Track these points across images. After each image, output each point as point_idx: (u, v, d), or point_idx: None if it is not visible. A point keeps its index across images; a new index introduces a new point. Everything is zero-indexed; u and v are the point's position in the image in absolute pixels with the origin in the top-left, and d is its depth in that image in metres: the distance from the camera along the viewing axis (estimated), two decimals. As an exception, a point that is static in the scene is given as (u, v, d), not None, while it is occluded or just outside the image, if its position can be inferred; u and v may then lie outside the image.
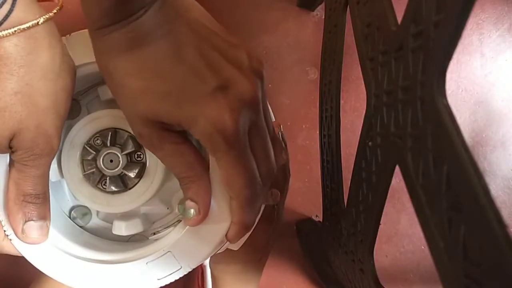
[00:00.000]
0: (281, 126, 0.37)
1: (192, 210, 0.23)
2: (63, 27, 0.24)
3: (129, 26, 0.19)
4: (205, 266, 0.52)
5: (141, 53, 0.20)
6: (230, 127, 0.20)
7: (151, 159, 0.27)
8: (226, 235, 0.24)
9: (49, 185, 0.29)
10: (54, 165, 0.28)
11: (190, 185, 0.23)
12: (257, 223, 0.29)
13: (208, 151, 0.22)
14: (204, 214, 0.23)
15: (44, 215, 0.25)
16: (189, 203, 0.23)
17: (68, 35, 0.25)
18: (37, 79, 0.21)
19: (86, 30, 0.22)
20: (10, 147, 0.23)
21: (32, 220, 0.24)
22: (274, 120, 0.31)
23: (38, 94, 0.21)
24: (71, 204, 0.30)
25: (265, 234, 0.34)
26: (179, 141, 0.22)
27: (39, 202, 0.24)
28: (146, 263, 0.25)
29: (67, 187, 0.28)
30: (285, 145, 0.38)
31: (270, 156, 0.24)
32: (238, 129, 0.20)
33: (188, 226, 0.25)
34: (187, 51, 0.20)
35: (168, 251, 0.25)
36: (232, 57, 0.21)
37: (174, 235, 0.26)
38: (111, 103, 0.29)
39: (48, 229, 0.25)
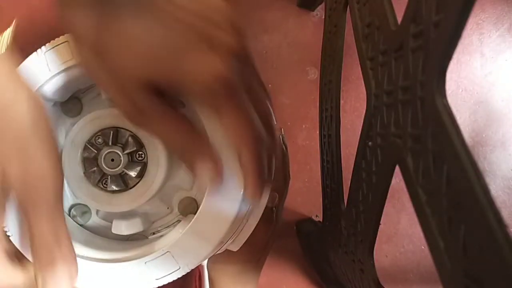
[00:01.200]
0: (282, 130, 0.37)
1: (208, 175, 0.22)
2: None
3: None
4: (202, 267, 0.52)
5: (121, 23, 0.20)
6: (227, 74, 0.20)
7: (152, 159, 0.27)
8: (245, 192, 0.24)
9: None
10: None
11: (195, 156, 0.22)
12: (257, 224, 0.29)
13: (207, 108, 0.22)
14: (220, 174, 0.23)
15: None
16: (201, 171, 0.22)
17: (63, 35, 0.25)
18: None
19: None
20: None
21: None
22: (274, 122, 0.31)
23: None
24: (70, 202, 0.30)
25: (264, 235, 0.34)
26: (175, 111, 0.22)
27: None
28: (145, 263, 0.25)
29: (67, 185, 0.28)
30: (286, 148, 0.38)
31: (267, 107, 0.24)
32: (233, 76, 0.21)
33: (187, 227, 0.25)
34: (165, 16, 0.20)
35: (167, 251, 0.25)
36: (211, 16, 0.21)
37: (173, 235, 0.26)
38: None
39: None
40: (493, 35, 0.63)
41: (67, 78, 0.26)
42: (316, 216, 0.58)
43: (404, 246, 0.59)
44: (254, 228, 0.29)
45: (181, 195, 0.29)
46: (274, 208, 0.34)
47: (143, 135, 0.27)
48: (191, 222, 0.25)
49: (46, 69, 0.25)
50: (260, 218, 0.29)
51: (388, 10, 0.25)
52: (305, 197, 0.59)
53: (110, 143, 0.27)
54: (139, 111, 0.22)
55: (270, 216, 0.34)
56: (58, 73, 0.26)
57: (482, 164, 0.61)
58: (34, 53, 0.25)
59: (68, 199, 0.30)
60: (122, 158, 0.27)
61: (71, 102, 0.29)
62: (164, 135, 0.23)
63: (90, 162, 0.27)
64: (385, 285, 0.29)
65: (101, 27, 0.20)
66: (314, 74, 0.60)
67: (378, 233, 0.28)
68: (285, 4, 0.60)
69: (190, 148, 0.22)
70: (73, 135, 0.27)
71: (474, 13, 0.63)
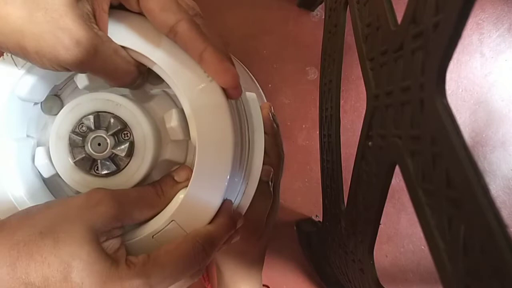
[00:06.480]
0: (272, 107, 0.38)
1: None
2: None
3: None
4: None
5: None
6: None
7: (138, 136, 0.27)
8: (209, 71, 0.24)
9: (45, 182, 0.29)
10: (45, 161, 0.28)
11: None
12: (252, 198, 0.29)
13: (161, 21, 0.23)
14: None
15: None
16: None
17: None
18: None
19: None
20: None
21: None
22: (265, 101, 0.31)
23: None
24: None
25: (263, 210, 0.34)
26: None
27: None
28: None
29: (62, 180, 0.28)
30: (277, 126, 0.38)
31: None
32: None
33: (185, 192, 0.25)
34: None
35: (172, 220, 0.25)
36: None
37: (173, 204, 0.26)
38: (89, 88, 0.29)
39: None
40: (493, 35, 0.63)
41: (39, 74, 0.26)
42: (316, 216, 0.58)
43: (404, 246, 0.59)
44: (252, 203, 0.29)
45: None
46: (270, 182, 0.34)
47: (124, 114, 0.27)
48: (188, 185, 0.25)
49: (14, 68, 0.26)
50: (257, 192, 0.29)
51: (388, 10, 0.25)
52: (305, 197, 0.59)
53: (93, 128, 0.27)
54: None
55: (266, 190, 0.34)
56: (28, 71, 0.26)
57: (482, 164, 0.61)
58: (1, 57, 0.26)
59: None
60: (108, 140, 0.26)
61: (50, 100, 0.29)
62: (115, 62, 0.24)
63: (78, 150, 0.27)
64: (385, 285, 0.29)
65: None
66: (314, 74, 0.60)
67: (378, 233, 0.28)
68: (285, 4, 0.60)
69: None
70: (56, 128, 0.27)
71: (474, 13, 0.63)
